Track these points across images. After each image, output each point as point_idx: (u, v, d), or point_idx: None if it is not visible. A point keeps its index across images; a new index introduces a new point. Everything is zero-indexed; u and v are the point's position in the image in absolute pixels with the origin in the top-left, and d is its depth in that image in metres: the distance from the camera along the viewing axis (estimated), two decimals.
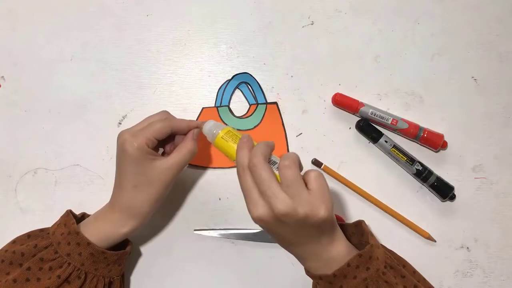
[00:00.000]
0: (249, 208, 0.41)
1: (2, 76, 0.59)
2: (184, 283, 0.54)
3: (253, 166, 0.40)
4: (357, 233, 0.48)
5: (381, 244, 0.47)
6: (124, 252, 0.48)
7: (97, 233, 0.46)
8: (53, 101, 0.58)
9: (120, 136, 0.47)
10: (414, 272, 0.47)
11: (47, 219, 0.52)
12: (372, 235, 0.46)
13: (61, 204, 0.55)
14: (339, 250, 0.43)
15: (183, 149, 0.48)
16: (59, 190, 0.56)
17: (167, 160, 0.47)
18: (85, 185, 0.56)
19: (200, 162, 0.56)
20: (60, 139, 0.57)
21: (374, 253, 0.43)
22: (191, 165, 0.56)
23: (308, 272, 0.45)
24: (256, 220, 0.41)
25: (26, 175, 0.56)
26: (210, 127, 0.48)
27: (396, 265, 0.45)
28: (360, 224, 0.48)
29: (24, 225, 0.52)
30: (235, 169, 0.54)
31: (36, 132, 0.57)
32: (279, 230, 0.41)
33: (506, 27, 0.60)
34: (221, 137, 0.46)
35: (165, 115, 0.50)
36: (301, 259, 0.45)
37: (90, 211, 0.54)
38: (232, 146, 0.45)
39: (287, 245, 0.44)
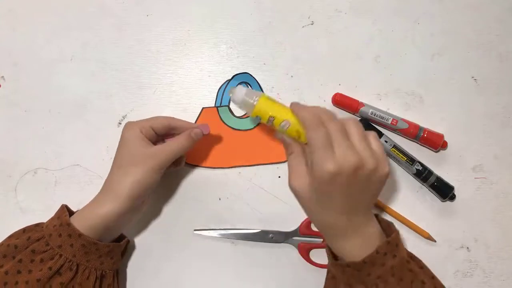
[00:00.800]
0: (323, 162, 0.39)
1: (2, 76, 0.59)
2: (184, 283, 0.54)
3: (328, 119, 0.42)
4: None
5: None
6: (117, 244, 0.48)
7: (82, 218, 0.46)
8: (53, 101, 0.58)
9: (125, 124, 0.50)
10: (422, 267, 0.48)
11: (47, 219, 0.53)
12: (393, 225, 0.47)
13: (61, 204, 0.55)
14: (375, 228, 0.44)
15: (175, 141, 0.49)
16: (59, 190, 0.56)
17: (156, 147, 0.48)
18: (85, 185, 0.56)
19: (200, 162, 0.56)
20: (60, 139, 0.57)
21: (399, 241, 0.44)
22: (192, 165, 0.56)
23: (334, 262, 0.45)
24: (332, 173, 0.39)
25: (26, 175, 0.56)
26: (243, 94, 0.47)
27: (415, 256, 0.46)
28: (375, 217, 0.48)
29: (24, 225, 0.52)
30: (235, 169, 0.54)
31: (36, 132, 0.57)
32: (347, 188, 0.40)
33: (506, 27, 0.60)
34: (267, 98, 0.47)
35: (169, 116, 0.51)
36: (341, 236, 0.43)
37: None
38: (283, 106, 0.46)
39: (340, 214, 0.42)
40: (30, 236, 0.45)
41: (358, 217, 0.43)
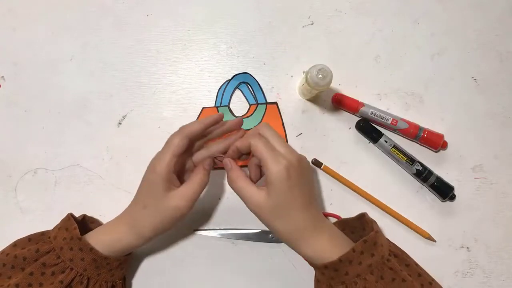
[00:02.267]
0: (276, 162, 0.43)
1: (2, 76, 0.59)
2: (184, 283, 0.54)
3: (266, 130, 0.46)
4: (359, 228, 0.49)
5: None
6: (127, 257, 0.48)
7: (99, 241, 0.46)
8: (53, 101, 0.58)
9: (151, 161, 0.47)
10: (416, 264, 0.48)
11: (47, 219, 0.53)
12: (376, 223, 0.47)
13: (61, 204, 0.55)
14: (329, 221, 0.47)
15: (193, 182, 0.46)
16: (59, 190, 0.56)
17: (178, 193, 0.45)
18: (85, 185, 0.56)
19: None
20: (60, 139, 0.57)
21: (378, 239, 0.44)
22: None
23: (312, 264, 0.45)
24: (286, 167, 0.42)
25: (26, 175, 0.56)
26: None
27: (400, 254, 0.46)
28: (363, 216, 0.48)
29: (24, 225, 0.52)
30: None
31: (36, 132, 0.57)
32: (301, 178, 0.44)
33: (506, 27, 0.60)
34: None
35: (180, 129, 0.49)
36: (309, 236, 0.44)
37: (90, 211, 0.54)
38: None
39: (302, 211, 0.44)
40: (38, 248, 0.45)
41: (315, 210, 0.46)
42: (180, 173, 0.49)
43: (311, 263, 0.46)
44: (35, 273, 0.44)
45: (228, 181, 0.46)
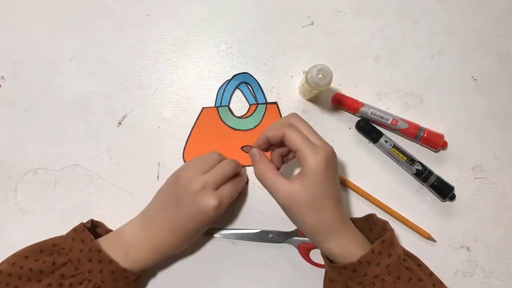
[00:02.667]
0: (314, 154, 0.42)
1: (2, 76, 0.59)
2: (184, 283, 0.54)
3: (299, 121, 0.46)
4: (366, 228, 0.49)
5: None
6: (144, 271, 0.48)
7: (118, 254, 0.45)
8: (53, 101, 0.58)
9: (198, 186, 0.46)
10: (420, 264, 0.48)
11: (47, 219, 0.53)
12: (388, 224, 0.47)
13: (61, 204, 0.55)
14: (351, 223, 0.46)
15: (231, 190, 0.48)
16: (59, 190, 0.56)
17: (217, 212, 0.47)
18: (85, 185, 0.56)
19: None
20: (60, 139, 0.57)
21: (394, 239, 0.44)
22: None
23: (330, 265, 0.45)
24: (325, 160, 0.42)
25: (26, 175, 0.56)
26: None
27: (412, 254, 0.46)
28: (372, 217, 0.48)
29: (24, 225, 0.52)
30: None
31: (36, 132, 0.57)
32: (334, 172, 0.44)
33: (506, 27, 0.60)
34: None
35: (221, 157, 0.50)
36: (333, 234, 0.44)
37: (90, 210, 0.54)
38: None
39: (332, 207, 0.44)
40: (55, 261, 0.45)
41: (343, 208, 0.45)
42: None
43: (329, 262, 0.46)
44: (53, 284, 0.44)
45: (255, 173, 0.45)
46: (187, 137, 0.57)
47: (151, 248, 0.47)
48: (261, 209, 0.55)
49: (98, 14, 0.60)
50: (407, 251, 0.47)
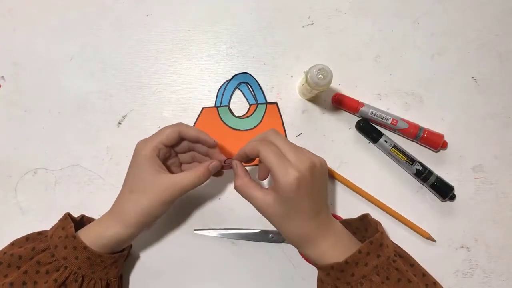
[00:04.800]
0: (286, 172, 0.41)
1: (2, 76, 0.59)
2: (184, 283, 0.54)
3: (276, 137, 0.45)
4: (362, 228, 0.49)
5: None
6: (121, 254, 0.48)
7: (87, 237, 0.45)
8: (53, 101, 0.58)
9: (137, 144, 0.47)
10: (419, 264, 0.48)
11: (47, 219, 0.53)
12: (380, 224, 0.47)
13: (61, 204, 0.55)
14: (338, 224, 0.46)
15: (192, 174, 0.46)
16: (59, 190, 0.56)
17: (170, 177, 0.46)
18: (85, 185, 0.56)
19: None
20: (60, 139, 0.57)
21: (384, 240, 0.44)
22: None
23: (317, 264, 0.45)
24: (297, 178, 0.41)
25: (26, 175, 0.56)
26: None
27: (405, 254, 0.46)
28: (366, 217, 0.48)
29: (24, 225, 0.52)
30: None
31: (36, 132, 0.57)
32: (311, 189, 0.42)
33: (506, 27, 0.60)
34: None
35: (176, 124, 0.49)
36: (314, 241, 0.44)
37: (90, 211, 0.54)
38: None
39: (308, 220, 0.44)
40: (34, 247, 0.45)
41: (323, 216, 0.45)
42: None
43: (315, 264, 0.46)
44: (30, 271, 0.44)
45: (234, 186, 0.46)
46: None
47: (117, 219, 0.46)
48: None
49: (98, 14, 0.60)
50: (401, 251, 0.47)
